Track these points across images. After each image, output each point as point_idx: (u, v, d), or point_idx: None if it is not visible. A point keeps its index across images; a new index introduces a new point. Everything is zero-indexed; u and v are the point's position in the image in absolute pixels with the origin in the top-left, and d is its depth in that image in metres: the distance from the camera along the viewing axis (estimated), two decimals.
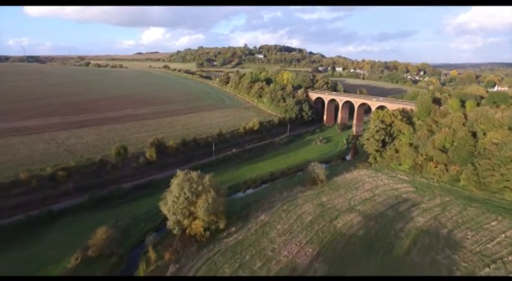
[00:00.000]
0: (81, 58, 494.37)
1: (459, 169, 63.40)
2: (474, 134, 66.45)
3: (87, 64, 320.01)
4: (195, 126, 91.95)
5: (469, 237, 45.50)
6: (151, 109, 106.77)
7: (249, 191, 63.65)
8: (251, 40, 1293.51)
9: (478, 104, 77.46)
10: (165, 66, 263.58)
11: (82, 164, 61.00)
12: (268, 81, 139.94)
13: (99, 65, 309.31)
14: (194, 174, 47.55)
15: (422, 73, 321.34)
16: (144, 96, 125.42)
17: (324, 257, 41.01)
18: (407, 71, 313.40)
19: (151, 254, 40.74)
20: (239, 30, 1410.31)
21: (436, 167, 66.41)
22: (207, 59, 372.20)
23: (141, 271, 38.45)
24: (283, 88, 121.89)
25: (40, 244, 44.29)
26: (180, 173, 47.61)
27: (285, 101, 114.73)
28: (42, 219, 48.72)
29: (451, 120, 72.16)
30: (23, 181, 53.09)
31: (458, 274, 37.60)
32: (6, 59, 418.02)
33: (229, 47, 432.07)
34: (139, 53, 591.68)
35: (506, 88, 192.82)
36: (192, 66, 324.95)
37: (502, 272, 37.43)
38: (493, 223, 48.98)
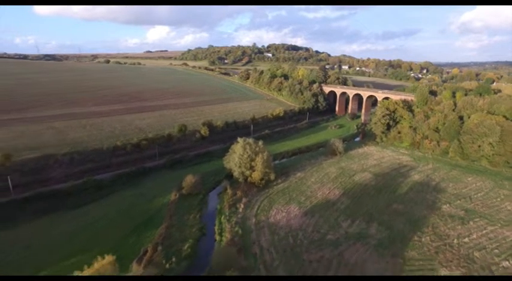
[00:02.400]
0: (94, 56, 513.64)
1: (448, 144, 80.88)
2: (461, 118, 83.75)
3: (108, 62, 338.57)
4: (230, 113, 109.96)
5: (450, 186, 63.14)
6: (190, 99, 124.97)
7: (284, 160, 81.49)
8: (255, 39, 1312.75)
9: (466, 95, 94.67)
10: (184, 64, 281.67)
11: (155, 137, 79.27)
12: (285, 77, 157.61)
13: (119, 62, 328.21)
14: (250, 140, 65.57)
15: (425, 71, 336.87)
16: (179, 88, 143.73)
17: (347, 196, 58.87)
18: (411, 69, 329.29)
19: (229, 191, 58.78)
20: (243, 28, 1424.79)
21: (430, 143, 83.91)
22: (218, 58, 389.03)
23: (225, 200, 56.47)
24: (300, 83, 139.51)
25: (144, 187, 62.66)
26: (240, 140, 65.51)
27: (302, 94, 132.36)
28: (139, 173, 67.08)
29: (443, 107, 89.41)
30: (120, 147, 71.54)
31: (438, 203, 55.34)
32: (25, 57, 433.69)
33: (239, 46, 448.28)
34: (149, 52, 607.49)
35: (503, 85, 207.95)
36: (204, 64, 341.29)
37: (467, 202, 55.22)
38: (469, 179, 66.58)
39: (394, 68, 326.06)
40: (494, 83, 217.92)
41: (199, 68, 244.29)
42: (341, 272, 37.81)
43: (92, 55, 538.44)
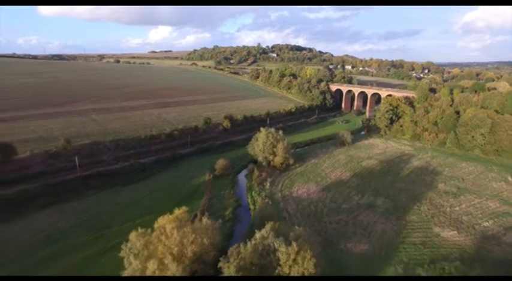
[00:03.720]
0: (101, 56, 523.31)
1: (445, 135, 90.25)
2: (457, 112, 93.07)
3: (118, 61, 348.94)
4: (245, 109, 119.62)
5: (446, 170, 72.60)
6: (206, 96, 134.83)
7: (298, 149, 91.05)
8: (257, 39, 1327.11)
9: (462, 92, 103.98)
10: (193, 64, 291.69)
11: (184, 128, 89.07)
12: (294, 76, 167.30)
13: (128, 62, 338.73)
14: (272, 130, 75.22)
15: (426, 71, 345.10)
16: (194, 86, 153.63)
17: (357, 177, 68.41)
18: (413, 69, 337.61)
19: (256, 172, 68.36)
20: (246, 29, 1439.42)
21: (429, 135, 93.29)
22: (224, 58, 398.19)
23: (253, 179, 66.08)
24: (308, 81, 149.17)
25: (181, 169, 72.47)
26: (263, 129, 75.23)
27: (311, 92, 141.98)
28: (174, 158, 76.90)
29: (442, 103, 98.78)
30: (155, 136, 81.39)
31: (435, 183, 64.78)
32: (34, 57, 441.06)
33: (244, 46, 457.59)
34: (154, 52, 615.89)
35: (499, 83, 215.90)
36: (210, 63, 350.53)
37: (460, 182, 64.72)
38: (463, 164, 76.01)
39: (397, 68, 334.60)
40: (494, 82, 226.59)
41: (209, 67, 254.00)
42: (356, 230, 47.40)
43: (99, 55, 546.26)
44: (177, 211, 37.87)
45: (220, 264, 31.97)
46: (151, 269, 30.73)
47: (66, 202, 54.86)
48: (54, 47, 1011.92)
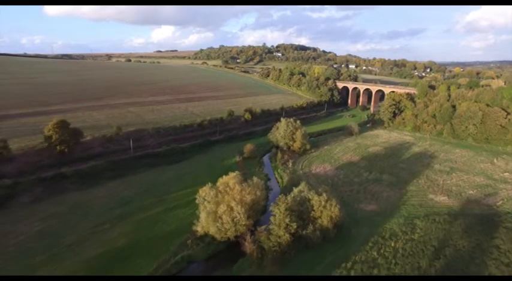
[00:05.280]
0: (109, 55, 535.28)
1: (443, 127, 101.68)
2: (453, 106, 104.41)
3: (129, 60, 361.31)
4: (261, 104, 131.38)
5: (441, 155, 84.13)
6: (224, 93, 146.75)
7: (312, 138, 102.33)
8: (259, 38, 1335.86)
9: (459, 88, 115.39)
10: (204, 63, 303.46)
11: (211, 119, 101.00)
12: (302, 74, 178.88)
13: (139, 61, 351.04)
14: (291, 120, 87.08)
15: (428, 70, 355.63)
16: (211, 84, 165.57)
17: (365, 159, 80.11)
18: (415, 68, 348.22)
19: (279, 155, 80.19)
20: (248, 28, 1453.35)
21: (428, 126, 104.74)
22: (230, 57, 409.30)
23: (278, 160, 77.88)
24: (317, 79, 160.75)
25: (214, 153, 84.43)
26: (283, 120, 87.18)
27: (319, 89, 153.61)
28: (206, 144, 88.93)
29: (440, 98, 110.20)
30: (188, 125, 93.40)
31: (431, 164, 76.40)
32: (45, 57, 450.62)
33: (249, 46, 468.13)
34: (159, 51, 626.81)
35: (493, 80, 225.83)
36: (217, 63, 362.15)
37: (453, 163, 76.35)
38: (457, 150, 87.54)
39: (399, 67, 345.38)
40: (489, 80, 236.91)
41: (220, 66, 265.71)
42: (366, 196, 59.16)
43: (107, 54, 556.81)
44: (232, 174, 49.71)
45: (271, 208, 43.81)
46: (222, 210, 42.60)
47: (126, 176, 66.92)
48: (58, 46, 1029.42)
